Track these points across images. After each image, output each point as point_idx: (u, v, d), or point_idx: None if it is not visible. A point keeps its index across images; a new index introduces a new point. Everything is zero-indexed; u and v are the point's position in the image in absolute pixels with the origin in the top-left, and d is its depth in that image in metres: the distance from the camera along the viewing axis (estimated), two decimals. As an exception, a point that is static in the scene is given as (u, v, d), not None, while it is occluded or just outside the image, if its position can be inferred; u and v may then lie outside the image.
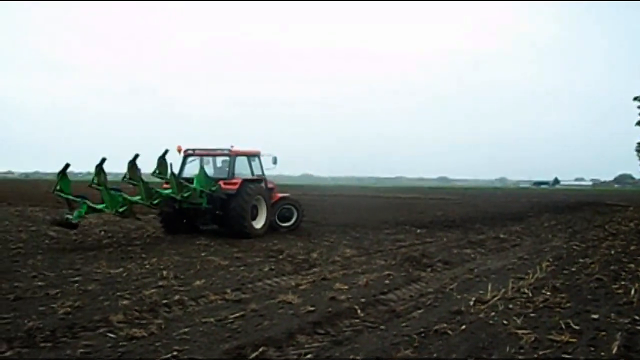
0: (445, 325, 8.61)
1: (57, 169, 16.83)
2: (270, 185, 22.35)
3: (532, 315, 9.29)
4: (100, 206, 17.50)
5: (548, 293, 10.86)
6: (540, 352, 7.36)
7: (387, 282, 12.35)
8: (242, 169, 21.23)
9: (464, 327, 8.57)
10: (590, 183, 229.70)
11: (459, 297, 10.83)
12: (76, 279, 12.00)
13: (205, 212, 20.42)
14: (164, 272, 12.82)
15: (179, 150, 20.69)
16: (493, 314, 9.33)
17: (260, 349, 7.36)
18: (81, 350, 7.36)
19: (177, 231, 20.73)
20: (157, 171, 18.97)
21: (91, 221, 22.67)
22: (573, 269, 13.76)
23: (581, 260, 15.07)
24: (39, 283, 11.48)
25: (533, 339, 7.87)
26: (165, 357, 7.14)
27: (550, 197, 75.45)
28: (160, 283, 11.65)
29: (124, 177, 18.24)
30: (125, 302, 9.93)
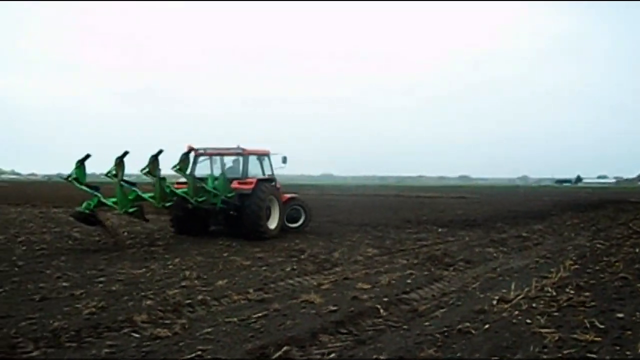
0: (468, 324, 8.58)
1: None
2: (277, 186, 21.99)
3: (556, 314, 9.23)
4: (111, 201, 17.18)
5: (572, 292, 10.78)
6: (565, 352, 7.32)
7: (409, 281, 12.33)
8: (253, 168, 21.03)
9: (487, 326, 8.54)
10: (614, 181, 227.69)
11: (481, 296, 10.80)
12: (100, 279, 12.08)
13: (218, 212, 20.13)
14: (187, 273, 12.87)
15: (190, 150, 19.95)
16: (516, 313, 9.28)
17: (283, 349, 7.37)
18: (106, 350, 7.41)
19: (188, 232, 20.51)
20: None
21: (114, 222, 22.80)
22: (597, 268, 13.65)
23: (605, 259, 14.94)
24: (64, 284, 11.57)
25: (557, 338, 7.82)
26: (189, 357, 7.17)
27: (573, 195, 74.89)
28: (184, 283, 11.71)
29: (143, 169, 17.80)
30: (149, 302, 9.99)
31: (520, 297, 10.28)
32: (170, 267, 13.75)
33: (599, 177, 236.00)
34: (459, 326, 8.47)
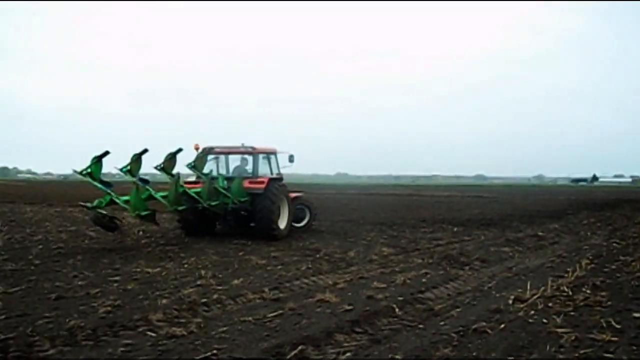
0: (484, 324, 8.55)
1: None
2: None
3: (572, 313, 9.20)
4: (123, 199, 16.65)
5: (588, 291, 10.74)
6: (581, 351, 7.28)
7: (424, 280, 12.31)
8: (262, 167, 20.65)
9: (503, 325, 8.51)
10: (630, 180, 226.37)
11: (497, 295, 10.76)
12: (116, 278, 12.12)
13: (229, 213, 19.71)
14: (203, 272, 12.89)
15: (196, 149, 19.30)
16: (532, 312, 9.25)
17: (299, 348, 7.37)
18: (122, 348, 7.42)
19: (196, 233, 19.97)
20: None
21: (129, 221, 22.86)
22: (613, 267, 13.60)
23: (622, 258, 14.88)
24: (80, 282, 11.61)
25: (573, 338, 7.79)
26: (205, 356, 7.18)
27: (589, 195, 74.64)
28: (199, 282, 11.72)
29: (158, 165, 17.45)
30: (164, 301, 10.00)
31: (536, 296, 10.24)
32: (186, 266, 13.79)
33: (615, 177, 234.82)
34: (475, 326, 8.45)
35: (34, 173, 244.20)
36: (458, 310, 9.63)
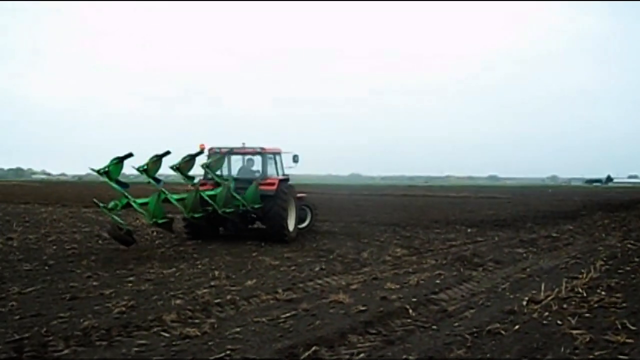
0: (498, 325, 8.53)
1: None
2: None
3: (586, 315, 9.16)
4: (139, 202, 15.85)
5: (603, 293, 10.69)
6: (596, 353, 7.25)
7: (438, 281, 12.29)
8: (270, 168, 20.10)
9: (517, 327, 8.48)
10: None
11: (511, 296, 10.73)
12: (130, 279, 12.17)
13: (239, 215, 18.79)
14: (216, 272, 12.92)
15: (202, 149, 18.21)
16: (547, 314, 9.21)
17: (312, 349, 7.37)
18: (136, 349, 7.46)
19: (201, 237, 19.13)
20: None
21: (143, 222, 22.92)
22: (628, 268, 13.53)
23: (636, 260, 14.80)
24: (94, 283, 11.67)
25: (588, 339, 7.75)
26: (218, 356, 7.19)
27: (603, 195, 74.18)
28: (213, 283, 11.76)
29: (174, 165, 16.81)
30: (178, 301, 10.04)
31: (551, 297, 10.20)
32: (200, 266, 13.82)
33: (630, 177, 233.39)
34: (489, 327, 8.43)
35: (49, 174, 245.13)
36: (472, 311, 9.62)
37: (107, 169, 15.31)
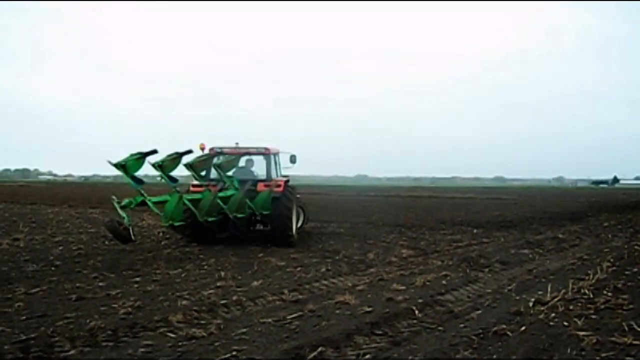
0: (504, 326, 8.51)
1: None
2: None
3: (593, 316, 9.13)
4: (154, 200, 15.22)
5: (609, 294, 10.66)
6: (603, 355, 7.22)
7: (444, 282, 12.27)
8: (272, 169, 19.64)
9: (523, 328, 8.46)
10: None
11: (517, 298, 10.70)
12: (136, 279, 12.18)
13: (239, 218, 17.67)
14: (222, 273, 12.93)
15: (202, 149, 18.01)
16: (553, 315, 9.19)
17: (318, 350, 7.36)
18: (142, 349, 7.46)
19: (201, 240, 18.21)
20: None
21: (149, 222, 22.98)
22: (635, 270, 13.48)
23: (643, 261, 14.77)
24: (100, 283, 11.68)
25: (595, 341, 7.73)
26: (224, 357, 7.19)
27: (610, 197, 74.09)
28: (219, 283, 11.76)
29: (187, 164, 15.86)
30: (184, 302, 10.04)
31: (557, 299, 10.18)
32: (206, 267, 13.83)
33: (637, 179, 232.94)
34: (495, 328, 8.41)
35: (55, 174, 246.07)
36: (478, 312, 9.60)
37: (124, 163, 14.58)
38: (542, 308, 9.64)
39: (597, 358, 7.13)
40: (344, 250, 17.00)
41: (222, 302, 10.05)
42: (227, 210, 16.90)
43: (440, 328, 8.61)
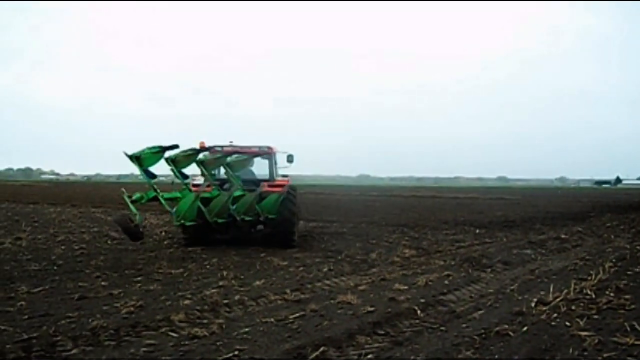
0: (506, 326, 8.50)
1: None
2: None
3: (595, 317, 9.12)
4: (167, 196, 15.09)
5: (612, 294, 10.65)
6: (605, 355, 7.22)
7: (446, 282, 12.27)
8: (265, 169, 19.62)
9: (525, 328, 8.46)
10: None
11: (520, 298, 10.69)
12: (138, 279, 12.20)
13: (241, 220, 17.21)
14: (224, 273, 12.93)
15: (202, 148, 16.74)
16: (555, 315, 9.18)
17: (321, 349, 7.36)
18: (144, 349, 7.45)
19: (200, 243, 17.65)
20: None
21: (152, 222, 23.00)
22: (637, 270, 13.47)
23: (645, 261, 14.75)
24: (103, 283, 11.69)
25: (597, 341, 7.72)
26: (227, 357, 7.19)
27: (612, 197, 74.06)
28: (221, 283, 11.77)
29: (198, 160, 15.54)
30: (186, 301, 10.04)
31: (559, 299, 10.16)
32: (208, 267, 13.84)
33: (639, 179, 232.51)
34: (497, 328, 8.40)
35: (57, 174, 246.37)
36: (480, 312, 9.59)
37: (139, 155, 14.28)
38: (544, 308, 9.63)
39: (599, 358, 7.12)
40: (347, 250, 17.01)
41: (224, 301, 10.05)
42: (234, 212, 16.67)
43: (442, 328, 8.61)
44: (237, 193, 16.88)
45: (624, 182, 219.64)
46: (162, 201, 14.94)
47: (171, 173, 15.41)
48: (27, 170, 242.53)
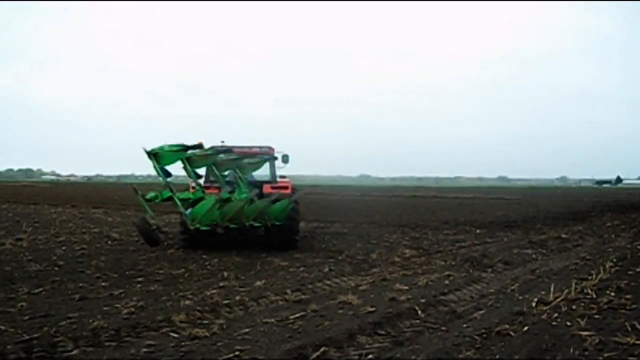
0: (507, 326, 8.50)
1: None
2: None
3: (596, 316, 9.12)
4: (181, 196, 14.86)
5: (612, 294, 10.64)
6: (605, 355, 7.21)
7: (447, 282, 12.27)
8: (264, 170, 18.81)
9: (526, 328, 8.45)
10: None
11: (520, 298, 10.69)
12: (139, 279, 12.21)
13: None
14: (225, 273, 12.94)
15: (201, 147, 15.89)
16: (556, 315, 9.18)
17: (321, 350, 7.36)
18: (145, 349, 7.45)
19: (199, 245, 17.20)
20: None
21: (153, 222, 22.95)
22: (638, 270, 13.45)
23: (646, 261, 14.74)
24: (103, 283, 11.70)
25: (597, 341, 7.72)
26: (227, 357, 7.18)
27: (613, 197, 73.97)
28: (222, 284, 11.77)
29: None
30: (187, 302, 10.04)
31: (560, 299, 10.16)
32: (209, 267, 13.84)
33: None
34: (498, 328, 8.39)
35: (58, 175, 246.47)
36: (481, 312, 9.59)
37: (157, 152, 14.13)
38: (545, 308, 9.63)
39: (600, 358, 7.11)
40: (347, 250, 17.02)
41: (225, 302, 10.05)
42: (244, 218, 15.96)
43: (443, 328, 8.60)
44: (243, 196, 16.08)
45: (624, 181, 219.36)
46: (177, 202, 14.78)
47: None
48: (28, 171, 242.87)
